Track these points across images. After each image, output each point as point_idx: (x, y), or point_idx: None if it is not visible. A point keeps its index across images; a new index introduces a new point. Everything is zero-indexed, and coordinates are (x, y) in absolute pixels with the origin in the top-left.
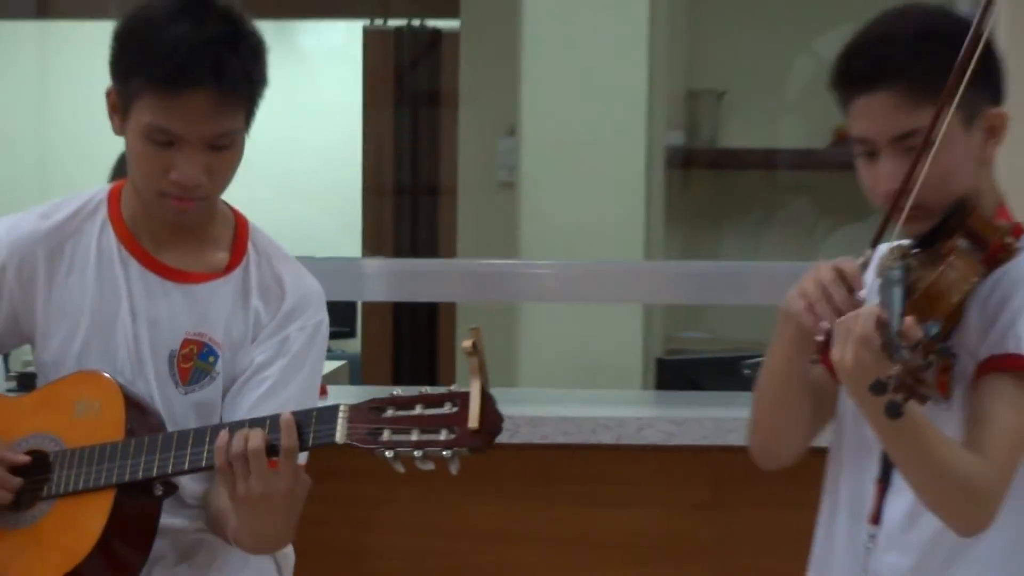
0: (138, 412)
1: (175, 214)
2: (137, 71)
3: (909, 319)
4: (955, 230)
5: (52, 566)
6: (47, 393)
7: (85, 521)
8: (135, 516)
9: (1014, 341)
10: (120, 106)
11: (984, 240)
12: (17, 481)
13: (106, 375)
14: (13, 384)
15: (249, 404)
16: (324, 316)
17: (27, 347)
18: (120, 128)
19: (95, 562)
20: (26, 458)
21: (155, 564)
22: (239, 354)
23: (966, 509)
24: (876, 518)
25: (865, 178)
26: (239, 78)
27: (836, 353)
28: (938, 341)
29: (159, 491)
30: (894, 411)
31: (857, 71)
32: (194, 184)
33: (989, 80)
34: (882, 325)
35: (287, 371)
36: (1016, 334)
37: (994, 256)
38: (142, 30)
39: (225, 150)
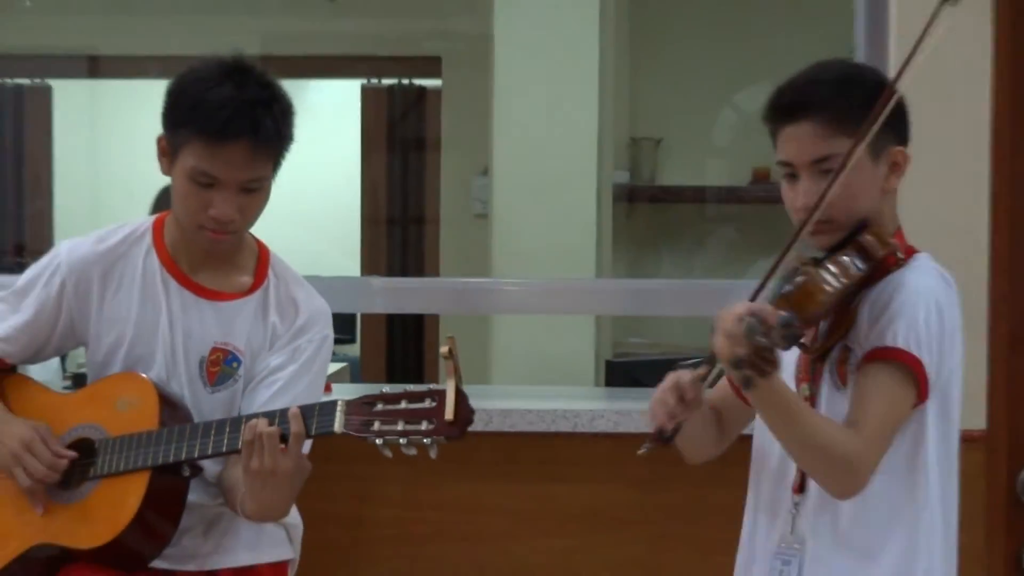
0: (170, 407)
1: (210, 244)
2: (186, 123)
3: (769, 308)
4: (849, 245)
5: (98, 535)
6: (94, 390)
7: (125, 497)
8: (167, 493)
9: (891, 336)
10: (169, 151)
11: (875, 254)
12: (64, 463)
13: (143, 375)
14: (69, 383)
15: (263, 400)
16: (330, 332)
17: (80, 351)
18: (168, 169)
19: (134, 532)
20: (72, 452)
21: (183, 534)
22: (257, 360)
23: (835, 474)
24: (800, 488)
25: (787, 197)
26: (272, 135)
27: (713, 338)
28: (790, 328)
29: (187, 472)
30: (745, 383)
31: (787, 104)
32: (228, 220)
33: (897, 123)
34: (753, 312)
35: (296, 375)
36: (893, 330)
37: (886, 267)
38: (192, 89)
39: (255, 193)
